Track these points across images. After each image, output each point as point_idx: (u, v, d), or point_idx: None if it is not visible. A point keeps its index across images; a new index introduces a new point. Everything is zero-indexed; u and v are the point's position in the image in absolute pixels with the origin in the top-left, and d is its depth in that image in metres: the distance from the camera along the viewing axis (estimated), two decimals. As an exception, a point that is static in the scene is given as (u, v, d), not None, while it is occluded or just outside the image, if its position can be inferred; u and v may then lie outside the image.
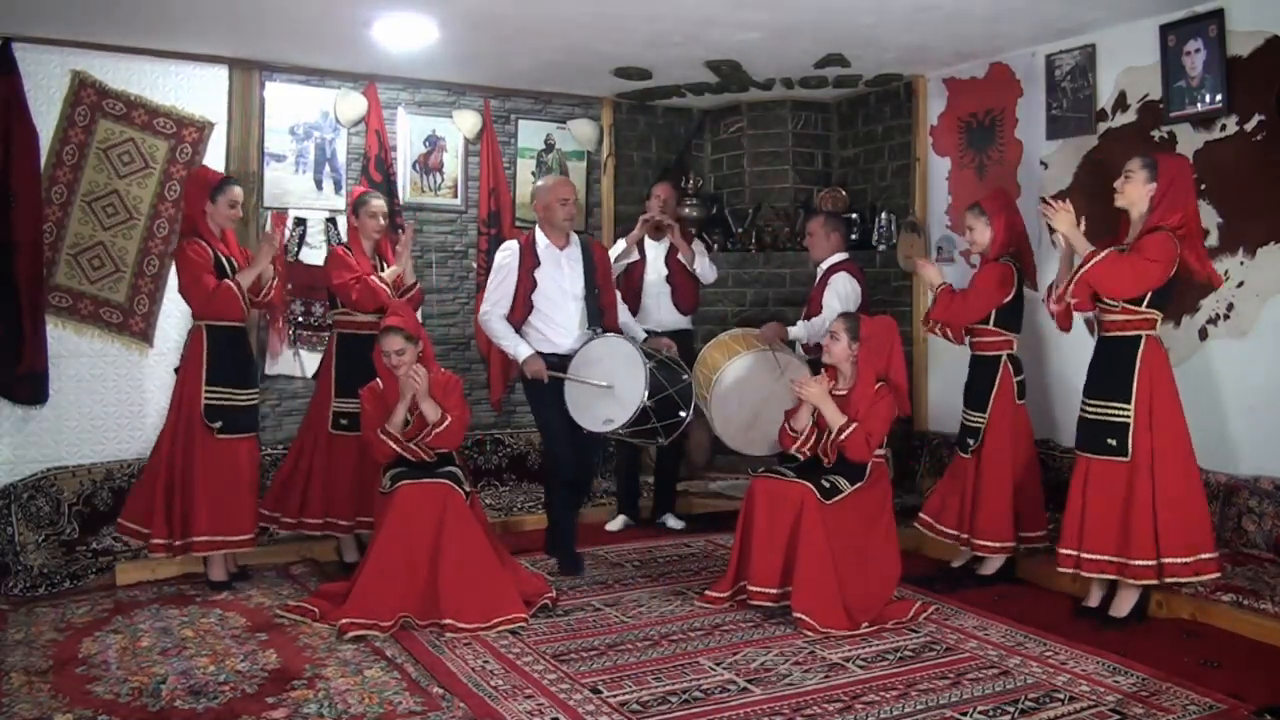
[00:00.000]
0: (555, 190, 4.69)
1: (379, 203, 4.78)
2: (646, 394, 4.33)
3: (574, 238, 4.80)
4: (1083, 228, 4.11)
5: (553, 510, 4.88)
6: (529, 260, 4.64)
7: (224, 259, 4.37)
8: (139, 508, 4.41)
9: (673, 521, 5.58)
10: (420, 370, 4.11)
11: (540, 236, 4.71)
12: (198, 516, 4.31)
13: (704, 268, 5.38)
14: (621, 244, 5.40)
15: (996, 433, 4.41)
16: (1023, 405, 4.48)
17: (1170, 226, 3.74)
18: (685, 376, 4.55)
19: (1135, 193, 3.84)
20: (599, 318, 4.71)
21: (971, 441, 4.46)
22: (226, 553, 4.44)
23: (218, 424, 4.33)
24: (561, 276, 4.67)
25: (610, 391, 4.43)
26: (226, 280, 4.31)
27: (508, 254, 4.68)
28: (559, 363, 4.60)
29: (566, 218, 4.67)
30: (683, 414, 4.47)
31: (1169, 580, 3.79)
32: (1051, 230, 4.08)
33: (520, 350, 4.60)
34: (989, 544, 4.41)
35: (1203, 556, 3.76)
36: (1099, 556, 3.85)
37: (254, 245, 5.23)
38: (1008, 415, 4.41)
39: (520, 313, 4.64)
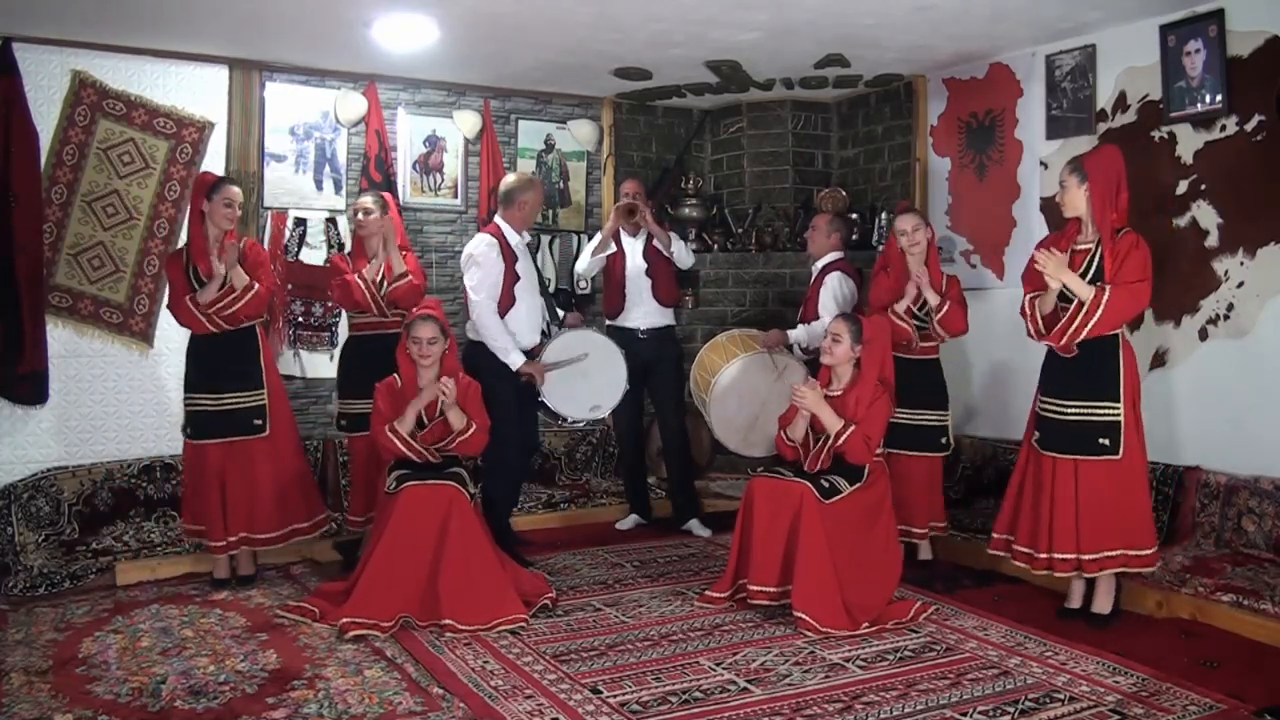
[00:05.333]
0: (541, 191, 4.98)
1: (362, 199, 4.77)
2: (626, 376, 4.84)
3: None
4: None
5: (499, 487, 4.80)
6: (508, 252, 4.71)
7: (191, 270, 4.35)
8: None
9: (699, 529, 5.38)
10: (449, 381, 4.12)
11: (510, 232, 4.77)
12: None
13: (680, 251, 5.38)
14: (598, 237, 5.41)
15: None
16: None
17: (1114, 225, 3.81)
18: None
19: (1075, 199, 3.89)
20: (553, 311, 5.03)
21: (945, 440, 4.67)
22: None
23: (187, 430, 4.44)
24: (529, 270, 4.87)
25: (590, 376, 4.80)
26: (185, 297, 4.33)
27: (490, 245, 4.66)
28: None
29: (538, 215, 5.12)
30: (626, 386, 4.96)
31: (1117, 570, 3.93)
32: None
33: (513, 358, 4.62)
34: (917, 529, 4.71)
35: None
36: (1093, 555, 3.86)
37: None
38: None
39: (505, 305, 4.66)
